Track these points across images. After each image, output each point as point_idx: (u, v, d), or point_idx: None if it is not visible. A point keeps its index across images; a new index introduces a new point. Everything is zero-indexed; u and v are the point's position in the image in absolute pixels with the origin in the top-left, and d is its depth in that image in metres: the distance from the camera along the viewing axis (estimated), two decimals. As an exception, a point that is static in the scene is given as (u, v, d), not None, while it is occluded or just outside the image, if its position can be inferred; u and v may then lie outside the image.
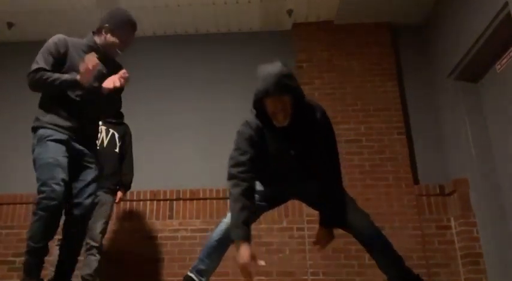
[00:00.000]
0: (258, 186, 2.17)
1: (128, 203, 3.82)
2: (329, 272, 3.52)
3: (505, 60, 3.21)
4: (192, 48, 4.48)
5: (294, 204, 3.76)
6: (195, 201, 3.84)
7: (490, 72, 3.42)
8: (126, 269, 3.62)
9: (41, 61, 2.23)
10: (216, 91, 4.28)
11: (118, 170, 3.27)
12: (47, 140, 2.19)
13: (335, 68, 4.19)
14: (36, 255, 2.12)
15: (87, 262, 3.00)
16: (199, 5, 4.16)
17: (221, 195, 3.82)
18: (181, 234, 3.74)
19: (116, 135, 3.31)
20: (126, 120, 3.50)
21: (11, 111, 4.32)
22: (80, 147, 2.30)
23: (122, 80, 2.25)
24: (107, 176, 3.15)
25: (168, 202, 3.85)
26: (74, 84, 2.18)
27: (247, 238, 1.91)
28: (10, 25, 4.33)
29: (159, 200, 3.85)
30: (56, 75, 2.18)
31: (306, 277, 3.55)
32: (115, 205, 3.59)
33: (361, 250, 3.73)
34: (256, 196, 2.10)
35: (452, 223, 3.59)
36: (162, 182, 3.92)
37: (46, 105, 2.28)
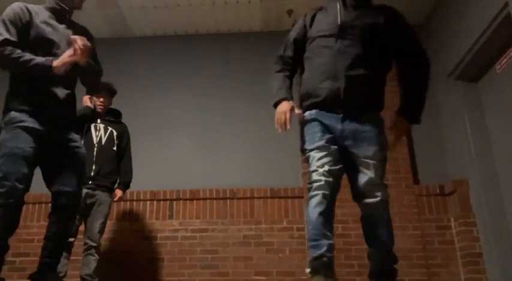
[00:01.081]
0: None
1: (128, 203, 3.82)
2: (329, 272, 3.52)
3: (505, 60, 3.21)
4: (192, 48, 4.48)
5: (294, 204, 3.77)
6: (195, 201, 3.84)
7: (490, 72, 3.42)
8: (126, 269, 3.62)
9: (4, 32, 1.99)
10: (216, 91, 4.28)
11: (116, 169, 3.26)
12: (18, 126, 2.00)
13: (335, 68, 4.18)
14: None
15: (86, 262, 3.00)
16: (199, 5, 4.15)
17: (221, 195, 3.82)
18: (181, 234, 3.74)
19: (114, 133, 3.31)
20: (126, 120, 3.50)
21: (11, 112, 4.31)
22: (61, 131, 2.11)
23: (82, 55, 2.03)
24: (105, 174, 3.15)
25: (168, 202, 3.84)
26: (48, 71, 1.98)
27: (291, 99, 2.12)
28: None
29: (159, 200, 3.85)
30: (28, 56, 1.98)
31: (306, 277, 3.55)
32: (115, 205, 3.61)
33: (361, 250, 3.73)
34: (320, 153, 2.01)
35: (452, 223, 3.59)
36: (162, 182, 3.92)
37: (18, 85, 2.07)
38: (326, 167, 1.94)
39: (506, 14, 2.83)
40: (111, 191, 3.20)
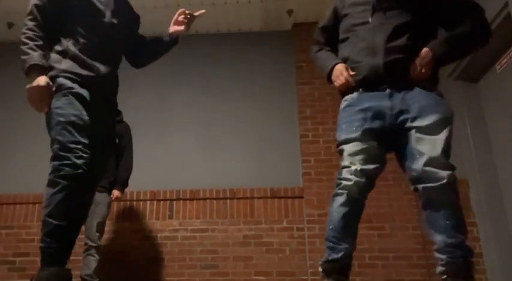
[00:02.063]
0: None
1: (128, 203, 3.82)
2: (329, 272, 3.52)
3: (505, 60, 3.21)
4: (192, 48, 4.48)
5: (294, 204, 3.76)
6: (195, 201, 3.84)
7: (490, 72, 3.42)
8: (126, 269, 3.62)
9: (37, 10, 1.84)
10: (216, 91, 4.28)
11: (113, 169, 3.25)
12: (69, 92, 1.80)
13: (335, 68, 4.19)
14: (59, 236, 1.71)
15: (86, 262, 3.00)
16: (199, 5, 4.15)
17: (221, 195, 3.82)
18: (181, 234, 3.74)
19: None
20: (126, 120, 3.50)
21: (11, 111, 4.31)
22: (104, 105, 1.95)
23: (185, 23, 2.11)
24: None
25: (168, 202, 3.85)
26: (25, 71, 1.78)
27: (341, 62, 1.95)
28: (10, 25, 4.33)
29: (159, 200, 3.85)
30: (33, 53, 1.79)
31: (306, 277, 3.55)
32: (115, 205, 3.61)
33: (361, 250, 3.73)
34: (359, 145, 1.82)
35: (452, 223, 3.58)
36: (162, 182, 3.92)
37: (67, 49, 1.89)
38: (358, 166, 1.77)
39: (506, 14, 2.83)
40: (108, 190, 3.20)
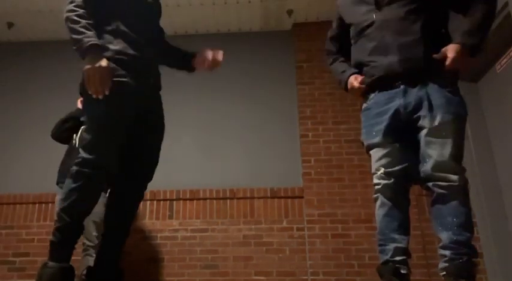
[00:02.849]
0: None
1: (128, 203, 3.82)
2: (329, 272, 3.52)
3: (505, 60, 3.21)
4: (192, 48, 4.47)
5: (294, 204, 3.76)
6: (195, 201, 3.84)
7: (490, 72, 3.42)
8: (126, 269, 3.61)
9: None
10: (216, 91, 4.28)
11: None
12: (118, 82, 1.74)
13: (335, 68, 4.19)
14: (69, 232, 1.73)
15: (85, 262, 3.00)
16: (199, 5, 4.15)
17: (221, 195, 3.82)
18: (181, 234, 3.74)
19: None
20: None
21: (11, 111, 4.31)
22: (148, 101, 1.91)
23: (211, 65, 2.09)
24: None
25: (168, 202, 3.84)
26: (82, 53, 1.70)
27: (354, 73, 1.97)
28: (10, 25, 4.33)
29: (159, 200, 3.85)
30: (88, 32, 1.70)
31: (306, 277, 3.55)
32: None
33: (361, 250, 3.74)
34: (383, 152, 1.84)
35: (452, 223, 3.58)
36: (162, 182, 3.90)
37: (110, 27, 1.80)
38: (382, 170, 1.81)
39: (506, 14, 2.83)
40: (105, 190, 3.15)
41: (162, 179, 3.96)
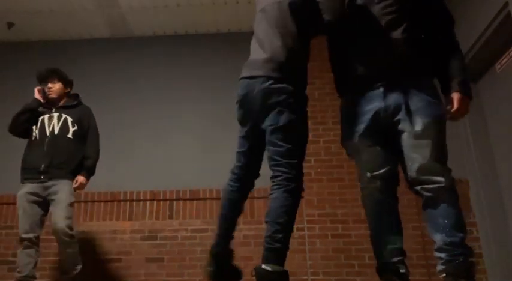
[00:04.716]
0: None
1: (128, 203, 3.82)
2: (329, 272, 3.52)
3: (505, 60, 3.20)
4: (192, 48, 4.48)
5: (294, 204, 3.76)
6: (195, 201, 3.84)
7: (490, 72, 3.42)
8: (126, 269, 3.62)
9: None
10: (216, 91, 4.28)
11: (74, 157, 3.10)
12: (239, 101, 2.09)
13: (335, 68, 4.18)
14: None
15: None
16: (199, 5, 4.16)
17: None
18: (181, 234, 3.74)
19: (69, 119, 3.16)
20: (126, 121, 3.49)
21: (11, 111, 4.30)
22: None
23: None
24: (58, 165, 3.02)
25: (168, 202, 3.85)
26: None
27: None
28: (10, 25, 4.33)
29: (159, 200, 3.85)
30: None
31: (306, 277, 3.55)
32: (115, 204, 3.60)
33: (361, 250, 3.74)
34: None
35: (452, 223, 3.58)
36: (162, 182, 3.92)
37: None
38: (368, 174, 1.81)
39: (506, 14, 2.83)
40: (70, 179, 3.03)
41: (162, 179, 3.98)
